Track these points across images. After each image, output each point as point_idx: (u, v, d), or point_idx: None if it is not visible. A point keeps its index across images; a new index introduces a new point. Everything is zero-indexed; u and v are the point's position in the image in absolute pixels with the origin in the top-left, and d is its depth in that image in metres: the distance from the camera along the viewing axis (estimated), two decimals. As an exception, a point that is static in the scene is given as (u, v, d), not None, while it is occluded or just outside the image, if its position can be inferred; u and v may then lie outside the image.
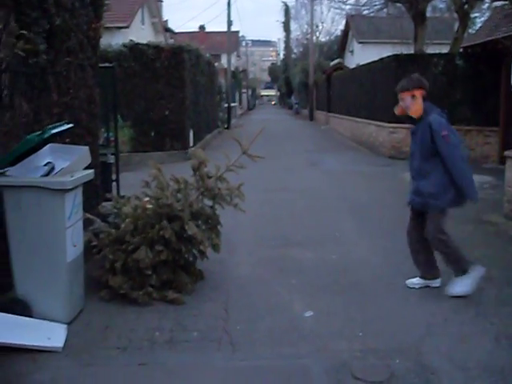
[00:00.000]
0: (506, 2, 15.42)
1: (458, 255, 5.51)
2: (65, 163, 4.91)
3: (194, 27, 63.55)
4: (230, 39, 36.29)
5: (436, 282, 5.73)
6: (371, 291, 5.69)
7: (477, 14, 23.57)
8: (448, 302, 5.37)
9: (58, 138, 5.55)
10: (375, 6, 24.01)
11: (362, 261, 6.69)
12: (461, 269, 5.50)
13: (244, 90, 62.84)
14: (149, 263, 5.40)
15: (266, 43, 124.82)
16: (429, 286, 5.72)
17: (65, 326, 4.78)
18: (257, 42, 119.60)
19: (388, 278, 6.07)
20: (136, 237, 5.52)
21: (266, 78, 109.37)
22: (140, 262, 5.38)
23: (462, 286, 5.47)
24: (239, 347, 4.49)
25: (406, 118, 5.94)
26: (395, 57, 17.30)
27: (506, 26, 15.19)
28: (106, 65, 9.21)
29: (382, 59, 18.52)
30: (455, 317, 5.04)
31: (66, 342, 4.54)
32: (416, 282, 5.76)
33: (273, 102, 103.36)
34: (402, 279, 5.94)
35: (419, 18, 19.83)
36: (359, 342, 4.54)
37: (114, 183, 8.72)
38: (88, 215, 5.86)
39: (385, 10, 25.21)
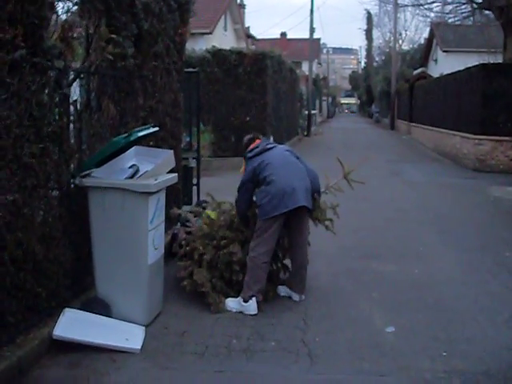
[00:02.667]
0: None
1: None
2: (149, 166, 4.94)
3: (275, 34, 63.92)
4: (312, 46, 36.20)
5: None
6: (455, 310, 5.45)
7: None
8: (539, 324, 5.10)
9: (143, 140, 5.61)
10: (462, 13, 23.43)
11: (446, 277, 6.44)
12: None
13: (324, 98, 62.58)
14: (241, 258, 5.43)
15: (347, 51, 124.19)
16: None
17: (143, 328, 4.80)
18: (338, 50, 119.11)
19: (473, 296, 5.81)
20: (231, 233, 5.61)
21: (347, 85, 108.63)
22: (233, 255, 5.44)
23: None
24: (317, 360, 4.37)
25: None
26: (483, 66, 16.74)
27: None
28: (191, 70, 9.30)
29: (468, 68, 17.97)
30: (547, 341, 4.77)
31: (143, 344, 4.56)
32: None
33: (352, 110, 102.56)
34: (489, 299, 5.69)
35: (509, 25, 19.17)
36: (443, 362, 4.34)
37: (195, 187, 8.76)
38: (178, 211, 6.29)
39: (471, 17, 24.56)
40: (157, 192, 4.80)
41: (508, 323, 5.12)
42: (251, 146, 5.70)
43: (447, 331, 4.91)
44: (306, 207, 5.40)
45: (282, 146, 5.94)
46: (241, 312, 5.27)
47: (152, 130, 5.43)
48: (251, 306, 5.27)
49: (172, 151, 5.44)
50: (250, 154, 5.58)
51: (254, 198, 5.55)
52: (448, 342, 4.70)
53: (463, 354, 4.49)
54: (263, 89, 16.53)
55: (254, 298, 5.28)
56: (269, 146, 5.64)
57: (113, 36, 5.48)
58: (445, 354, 4.48)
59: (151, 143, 6.36)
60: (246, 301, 5.29)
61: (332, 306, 5.52)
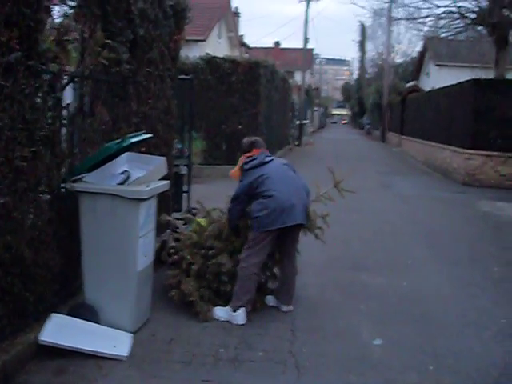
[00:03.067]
0: None
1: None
2: (141, 172, 4.93)
3: (269, 43, 64.05)
4: (305, 56, 36.33)
5: None
6: (443, 323, 5.46)
7: None
8: (526, 340, 5.11)
9: (135, 147, 5.59)
10: (455, 28, 23.57)
11: (434, 290, 6.45)
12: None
13: (316, 108, 62.72)
14: (229, 269, 5.44)
15: (340, 62, 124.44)
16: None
17: (130, 335, 4.77)
18: (331, 61, 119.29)
19: (461, 311, 5.82)
20: (220, 243, 5.60)
21: (339, 96, 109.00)
22: (222, 265, 5.44)
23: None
24: (304, 371, 4.36)
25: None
26: (475, 81, 16.84)
27: None
28: (184, 77, 9.29)
29: (460, 83, 18.08)
30: (534, 357, 4.78)
31: (130, 351, 4.53)
32: None
33: (344, 122, 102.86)
34: (477, 314, 5.70)
35: (502, 42, 19.34)
36: (430, 376, 4.34)
37: (185, 194, 8.74)
38: (168, 217, 6.32)
39: (464, 33, 24.70)
40: (148, 199, 4.79)
41: (495, 338, 5.13)
42: (249, 155, 5.68)
43: (434, 345, 4.91)
44: (301, 224, 5.44)
45: (280, 160, 5.94)
46: (228, 321, 5.25)
47: (145, 136, 5.42)
48: (239, 316, 5.25)
49: (164, 158, 5.42)
50: (246, 166, 5.53)
51: (248, 209, 5.51)
52: (435, 356, 4.70)
53: (450, 368, 4.49)
54: (256, 97, 16.56)
55: (242, 308, 5.27)
56: (267, 159, 5.61)
57: (108, 41, 5.48)
58: (431, 367, 4.48)
59: (143, 149, 6.34)
60: (234, 310, 5.28)
61: (320, 318, 5.51)
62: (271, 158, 5.73)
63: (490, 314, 5.75)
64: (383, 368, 4.46)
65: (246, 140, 5.95)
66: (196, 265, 5.49)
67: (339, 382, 4.23)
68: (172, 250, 5.84)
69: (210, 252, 5.55)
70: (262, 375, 4.28)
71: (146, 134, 5.54)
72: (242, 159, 5.69)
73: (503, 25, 18.83)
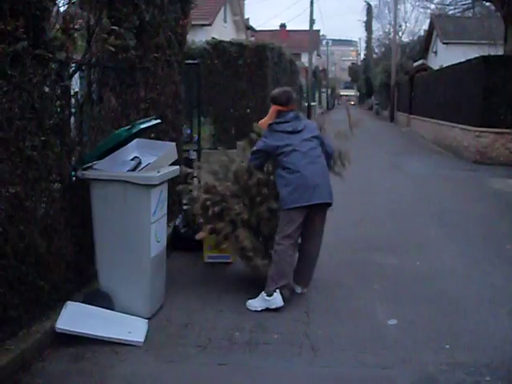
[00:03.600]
0: None
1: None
2: (151, 158, 4.93)
3: (275, 25, 63.75)
4: (311, 38, 36.13)
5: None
6: (458, 302, 5.44)
7: None
8: (541, 317, 5.10)
9: (144, 133, 5.58)
10: (462, 5, 23.40)
11: (448, 269, 6.43)
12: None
13: (323, 90, 62.47)
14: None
15: (347, 42, 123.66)
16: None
17: (145, 320, 4.79)
18: (337, 42, 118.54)
19: (476, 289, 5.81)
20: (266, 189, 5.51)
21: (346, 77, 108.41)
22: (273, 211, 5.44)
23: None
24: (320, 353, 4.37)
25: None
26: (484, 58, 16.69)
27: None
28: (191, 61, 9.26)
29: (469, 60, 17.92)
30: (550, 333, 4.77)
31: (146, 337, 4.55)
32: None
33: (352, 102, 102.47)
34: (491, 291, 5.69)
35: (510, 17, 19.12)
36: (446, 355, 4.34)
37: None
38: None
39: (472, 9, 24.51)
40: (159, 184, 4.78)
41: (510, 315, 5.12)
42: (282, 109, 5.45)
43: (450, 324, 4.90)
44: (327, 203, 5.34)
45: (310, 128, 5.50)
46: (266, 309, 5.16)
47: (154, 122, 5.41)
48: (277, 299, 5.14)
49: (174, 144, 5.42)
50: (277, 128, 5.35)
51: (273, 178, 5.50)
52: (450, 334, 4.70)
53: (466, 346, 4.49)
54: (263, 80, 16.46)
55: (277, 291, 5.17)
56: (299, 128, 5.37)
57: (114, 28, 5.46)
58: (447, 346, 4.48)
59: (152, 135, 6.34)
60: (270, 295, 5.16)
61: (334, 299, 5.51)
62: (303, 125, 5.42)
63: (504, 291, 5.73)
64: (399, 348, 4.46)
65: (281, 91, 5.62)
66: (245, 214, 5.37)
67: (355, 362, 4.23)
68: (208, 203, 5.46)
69: (258, 199, 5.44)
70: (277, 357, 4.29)
71: (155, 119, 5.53)
72: (273, 111, 5.50)
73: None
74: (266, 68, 16.46)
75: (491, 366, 4.15)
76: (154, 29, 6.41)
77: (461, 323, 4.93)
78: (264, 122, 5.59)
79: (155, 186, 4.70)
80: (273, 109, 5.51)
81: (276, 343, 4.51)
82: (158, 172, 4.73)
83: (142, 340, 4.50)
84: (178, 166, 5.27)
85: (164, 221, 5.13)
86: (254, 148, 5.46)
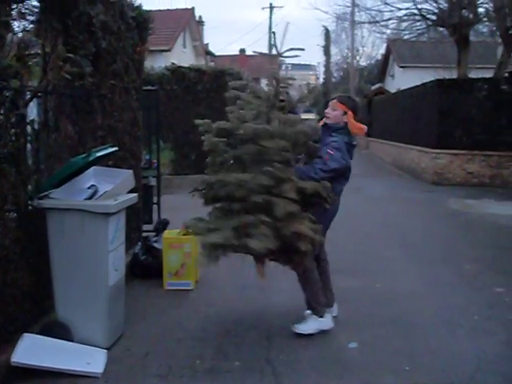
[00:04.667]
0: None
1: None
2: (108, 186, 4.88)
3: (234, 50, 64.10)
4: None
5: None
6: (417, 323, 5.49)
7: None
8: (499, 336, 5.16)
9: (102, 160, 5.53)
10: (417, 30, 23.88)
11: (408, 290, 6.49)
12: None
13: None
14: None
15: (306, 67, 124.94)
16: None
17: (105, 351, 4.70)
18: (296, 66, 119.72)
19: (435, 309, 5.87)
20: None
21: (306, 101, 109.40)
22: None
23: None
24: (282, 378, 4.34)
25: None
26: (438, 82, 17.09)
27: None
28: (150, 88, 9.26)
29: (424, 84, 18.32)
30: (508, 352, 4.83)
31: (105, 367, 4.47)
32: None
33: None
34: (450, 312, 5.75)
35: (462, 42, 19.66)
36: (407, 377, 4.36)
37: (155, 206, 8.69)
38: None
39: (426, 34, 25.05)
40: (117, 213, 4.74)
41: (469, 335, 5.18)
42: (355, 123, 5.15)
43: (410, 345, 4.94)
44: None
45: None
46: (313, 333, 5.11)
47: (111, 149, 5.37)
48: (329, 320, 5.18)
49: (131, 171, 5.38)
50: (354, 142, 5.23)
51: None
52: (411, 356, 4.73)
53: (426, 367, 4.52)
54: (223, 105, 16.38)
55: (326, 310, 5.18)
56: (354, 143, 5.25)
57: (70, 55, 5.43)
58: (408, 368, 4.50)
59: (110, 163, 6.29)
60: (321, 316, 5.16)
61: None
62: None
63: (463, 311, 5.80)
64: (360, 371, 4.46)
65: (355, 99, 5.55)
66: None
67: (316, 387, 4.23)
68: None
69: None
70: (239, 384, 4.26)
71: (112, 147, 5.49)
72: (352, 117, 5.12)
73: (463, 25, 19.13)
74: (224, 93, 16.48)
75: (451, 387, 4.19)
76: (111, 56, 6.39)
77: (421, 344, 4.97)
78: (336, 117, 5.14)
79: (112, 214, 4.65)
80: (350, 114, 5.11)
81: (237, 370, 4.47)
82: (116, 200, 4.69)
83: (101, 371, 4.41)
84: (135, 194, 5.23)
85: (122, 249, 5.07)
86: (331, 166, 4.91)
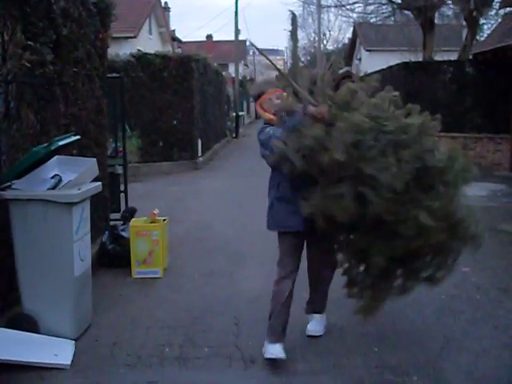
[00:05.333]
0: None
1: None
2: (72, 175, 4.82)
3: (201, 36, 63.74)
4: (238, 48, 36.26)
5: None
6: (384, 305, 5.53)
7: (485, 21, 23.42)
8: (465, 315, 5.24)
9: (66, 149, 5.45)
10: (382, 13, 23.95)
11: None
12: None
13: (252, 99, 62.73)
14: None
15: (274, 52, 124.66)
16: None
17: (72, 342, 4.67)
18: (264, 51, 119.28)
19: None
20: None
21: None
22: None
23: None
24: (251, 364, 4.36)
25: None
26: (404, 65, 17.19)
27: (516, 33, 15.11)
28: (114, 75, 9.15)
29: (390, 67, 18.41)
30: (473, 330, 4.91)
31: (73, 358, 4.43)
32: None
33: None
34: (416, 292, 5.81)
35: (427, 25, 19.76)
36: (375, 358, 4.41)
37: (123, 194, 8.61)
38: None
39: (392, 17, 25.14)
40: (81, 202, 4.69)
41: (435, 314, 5.26)
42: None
43: (377, 327, 4.97)
44: None
45: None
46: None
47: (74, 138, 5.29)
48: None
49: (95, 159, 5.31)
50: None
51: None
52: (378, 337, 4.78)
53: (394, 348, 4.58)
54: (189, 92, 16.42)
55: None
56: None
57: (30, 43, 5.32)
58: (376, 349, 4.55)
59: (74, 152, 6.21)
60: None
61: (264, 309, 5.49)
62: None
63: (429, 291, 5.85)
64: (329, 353, 4.50)
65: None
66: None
67: (287, 371, 4.24)
68: None
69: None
70: (208, 371, 4.26)
71: (76, 135, 5.42)
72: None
73: (428, 8, 19.22)
74: (191, 79, 16.42)
75: (417, 366, 4.25)
76: (73, 43, 6.29)
77: (387, 325, 5.02)
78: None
79: (76, 203, 4.60)
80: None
81: (206, 357, 4.48)
82: (79, 189, 4.63)
83: (69, 362, 4.38)
84: (99, 183, 5.17)
85: (88, 239, 5.03)
86: None
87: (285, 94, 4.44)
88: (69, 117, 6.28)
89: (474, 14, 18.45)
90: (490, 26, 23.51)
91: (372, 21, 26.66)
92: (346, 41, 48.80)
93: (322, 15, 42.66)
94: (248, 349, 4.60)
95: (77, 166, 5.04)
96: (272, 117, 4.41)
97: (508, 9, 16.98)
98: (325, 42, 52.29)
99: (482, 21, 21.64)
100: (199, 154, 17.21)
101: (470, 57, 18.34)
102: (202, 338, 4.81)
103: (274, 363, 4.29)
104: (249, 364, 4.35)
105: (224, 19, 46.91)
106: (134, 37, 26.70)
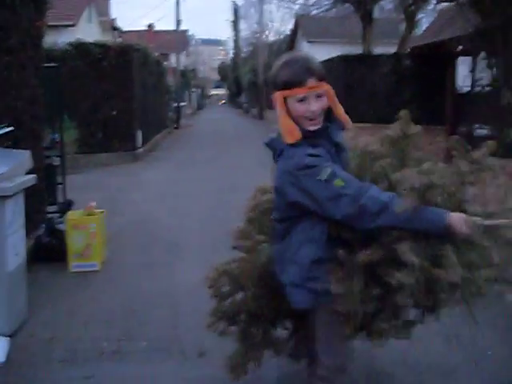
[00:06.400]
0: (452, 4, 15.70)
1: None
2: (4, 168, 4.69)
3: (143, 26, 63.00)
4: (179, 38, 36.02)
5: None
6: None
7: (423, 15, 23.90)
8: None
9: (-1, 141, 5.31)
10: (324, 5, 24.18)
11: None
12: None
13: (194, 90, 62.43)
14: None
15: (216, 42, 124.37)
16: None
17: (7, 338, 4.55)
18: (206, 41, 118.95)
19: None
20: None
21: (216, 77, 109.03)
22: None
23: None
24: (190, 356, 4.35)
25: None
26: (344, 57, 17.41)
27: (452, 28, 15.47)
28: (51, 64, 8.94)
29: (330, 59, 18.59)
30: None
31: (8, 355, 4.34)
32: None
33: (222, 102, 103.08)
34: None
35: (367, 18, 20.06)
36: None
37: (60, 186, 8.45)
38: None
39: (334, 9, 25.39)
40: (14, 195, 4.58)
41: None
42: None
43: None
44: None
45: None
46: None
47: (6, 129, 5.16)
48: None
49: (29, 151, 5.18)
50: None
51: None
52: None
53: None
54: (129, 82, 16.19)
55: None
56: None
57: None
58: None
59: (9, 143, 6.04)
60: None
61: (202, 300, 5.47)
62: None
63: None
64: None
65: None
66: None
67: (223, 362, 4.24)
68: None
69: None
70: (146, 365, 4.23)
71: (9, 126, 5.28)
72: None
73: (367, 2, 19.51)
74: (131, 69, 16.21)
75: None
76: (5, 31, 6.12)
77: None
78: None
79: (9, 196, 4.49)
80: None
81: (144, 350, 4.44)
82: (12, 182, 4.52)
83: (4, 359, 4.28)
84: (33, 175, 5.06)
85: (22, 232, 4.91)
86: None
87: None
88: (2, 107, 6.11)
89: (412, 8, 18.81)
90: (430, 20, 24.02)
91: (313, 12, 26.88)
92: (288, 32, 49.00)
93: (264, 6, 42.82)
94: (187, 341, 4.58)
95: (9, 158, 4.90)
96: (295, 132, 2.67)
97: (444, 4, 17.37)
98: (267, 32, 52.39)
99: (420, 15, 22.12)
100: (140, 144, 17.02)
101: (408, 50, 18.68)
102: (140, 332, 4.78)
103: (211, 355, 4.29)
104: (188, 356, 4.34)
105: (165, 9, 46.44)
106: (73, 25, 26.17)
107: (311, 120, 2.69)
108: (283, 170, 2.70)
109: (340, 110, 2.86)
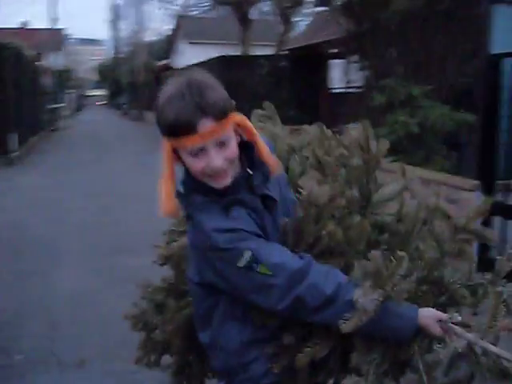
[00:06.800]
0: (327, 8, 16.22)
1: None
2: None
3: (17, 23, 60.50)
4: (55, 37, 34.90)
5: None
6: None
7: (300, 19, 24.52)
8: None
9: None
10: (203, 7, 24.30)
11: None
12: None
13: (71, 90, 60.64)
14: None
15: (95, 42, 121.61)
16: None
17: None
18: (85, 41, 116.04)
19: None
20: None
21: (96, 77, 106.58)
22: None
23: None
24: (67, 367, 4.24)
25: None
26: (222, 58, 17.57)
27: (326, 31, 15.99)
28: None
29: (209, 60, 18.70)
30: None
31: None
32: None
33: (101, 103, 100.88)
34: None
35: (244, 20, 20.31)
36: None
37: None
38: None
39: (212, 11, 25.56)
40: None
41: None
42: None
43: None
44: None
45: None
46: None
47: None
48: None
49: None
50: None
51: None
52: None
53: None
54: (1, 82, 15.51)
55: None
56: None
57: None
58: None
59: None
60: None
61: (79, 309, 5.36)
62: None
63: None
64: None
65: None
66: None
67: (103, 372, 4.18)
68: None
69: None
70: (22, 379, 4.10)
71: None
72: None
73: (244, 4, 19.78)
74: (3, 69, 15.53)
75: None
76: None
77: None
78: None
79: None
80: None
81: (19, 365, 4.29)
82: None
83: None
84: None
85: None
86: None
87: None
88: None
89: (288, 11, 19.25)
90: (307, 22, 24.63)
91: (193, 13, 26.92)
92: (168, 33, 48.68)
93: (144, 6, 42.32)
94: (64, 352, 4.46)
95: None
96: (169, 203, 1.93)
97: (320, 8, 17.91)
98: (147, 32, 51.80)
99: (297, 18, 22.69)
100: (15, 148, 16.32)
101: (285, 52, 19.10)
102: (14, 345, 4.60)
103: (89, 366, 4.21)
104: (65, 368, 4.23)
105: (42, 6, 44.90)
106: None
107: (216, 177, 1.80)
108: (193, 245, 1.94)
109: (263, 150, 1.90)
